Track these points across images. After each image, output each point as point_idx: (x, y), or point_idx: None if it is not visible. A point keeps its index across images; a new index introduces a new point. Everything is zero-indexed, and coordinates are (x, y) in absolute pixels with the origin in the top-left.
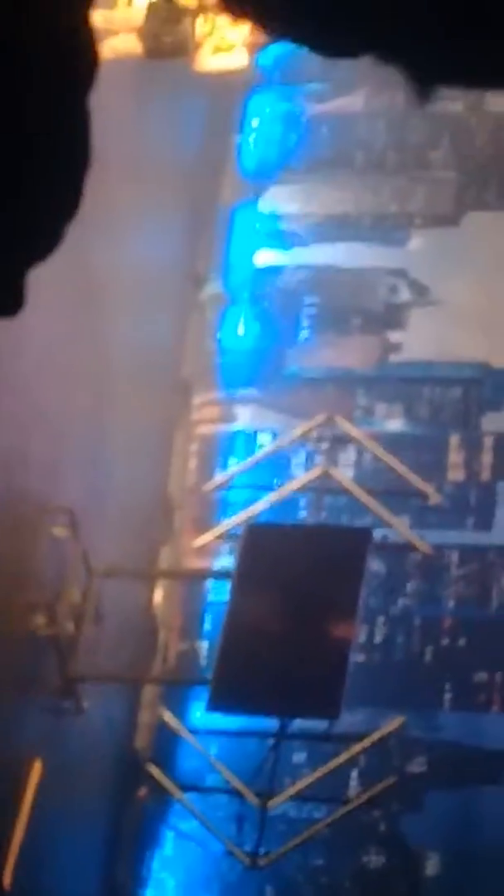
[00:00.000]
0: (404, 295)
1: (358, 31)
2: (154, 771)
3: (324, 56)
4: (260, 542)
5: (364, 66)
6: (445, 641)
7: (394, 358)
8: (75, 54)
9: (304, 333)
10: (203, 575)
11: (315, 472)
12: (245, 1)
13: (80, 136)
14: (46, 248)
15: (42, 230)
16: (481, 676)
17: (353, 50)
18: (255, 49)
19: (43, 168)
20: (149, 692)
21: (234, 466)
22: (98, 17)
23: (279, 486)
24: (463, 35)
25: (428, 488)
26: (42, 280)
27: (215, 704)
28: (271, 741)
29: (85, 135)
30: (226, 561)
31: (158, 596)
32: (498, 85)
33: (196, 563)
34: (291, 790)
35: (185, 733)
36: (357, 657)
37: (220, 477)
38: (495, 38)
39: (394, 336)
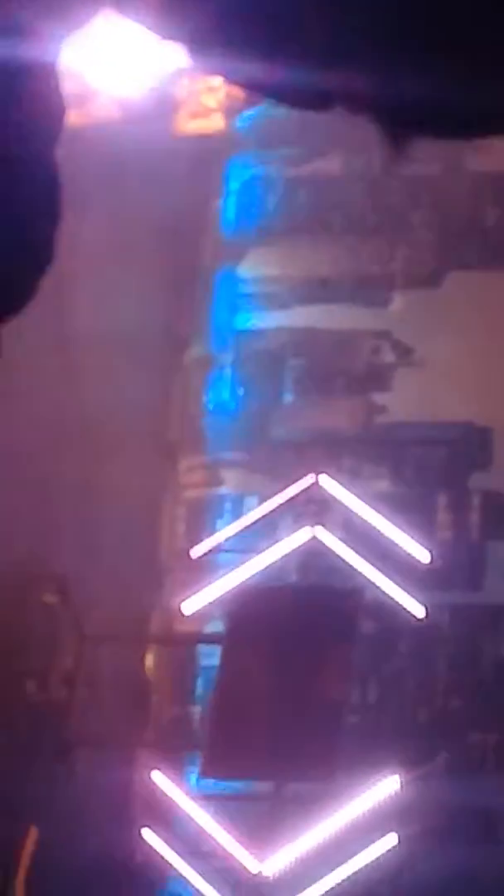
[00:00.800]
0: (388, 356)
1: (330, 81)
2: (150, 837)
3: (296, 108)
4: (250, 606)
5: (340, 128)
6: (439, 702)
7: (379, 419)
8: (43, 109)
9: (288, 396)
10: (194, 639)
11: (303, 535)
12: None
13: (48, 188)
14: (20, 301)
15: (14, 283)
16: (475, 737)
17: (325, 102)
18: (232, 113)
19: (11, 220)
20: (142, 757)
21: (223, 530)
22: (76, 83)
23: (268, 549)
24: (436, 86)
25: (417, 548)
26: (24, 347)
27: (209, 770)
28: (267, 804)
29: (53, 187)
30: (216, 625)
31: (150, 661)
32: (470, 135)
33: (187, 628)
34: (290, 853)
35: (180, 798)
36: (350, 719)
37: (208, 541)
38: (467, 89)
39: (378, 397)
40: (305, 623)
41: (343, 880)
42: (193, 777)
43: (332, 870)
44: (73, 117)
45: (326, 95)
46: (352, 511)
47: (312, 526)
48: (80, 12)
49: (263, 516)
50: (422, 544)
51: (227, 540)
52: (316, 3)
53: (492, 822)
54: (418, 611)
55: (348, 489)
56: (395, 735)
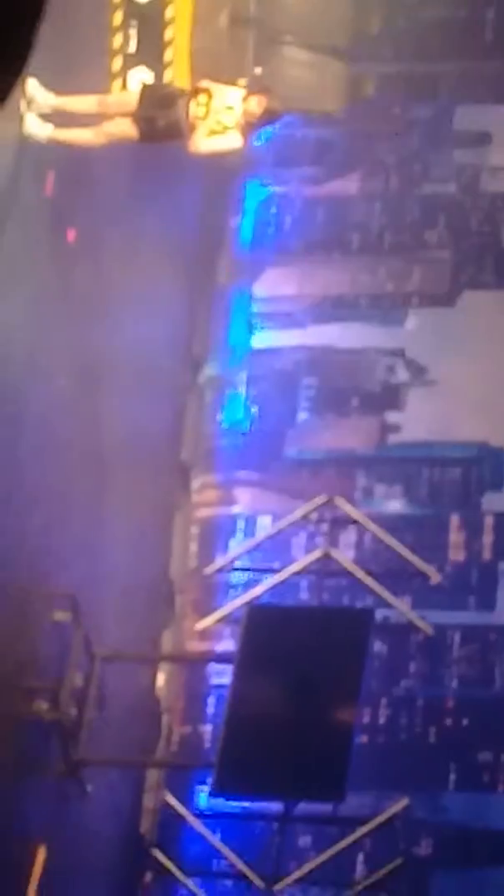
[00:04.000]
0: (402, 375)
1: None
2: (159, 855)
3: None
4: (261, 625)
5: (358, 148)
6: (449, 722)
7: (393, 438)
8: None
9: (302, 415)
10: (205, 658)
11: (316, 554)
12: None
13: None
14: (20, 53)
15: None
16: (486, 756)
17: None
18: (249, 132)
19: None
20: (153, 776)
21: (235, 549)
22: (93, 102)
23: (280, 569)
24: None
25: (429, 569)
26: (39, 364)
27: (220, 789)
28: (276, 824)
29: None
30: (228, 644)
31: (161, 679)
32: None
33: (198, 647)
34: (297, 873)
35: (189, 817)
36: (360, 739)
37: (221, 560)
38: None
39: (392, 416)
40: (316, 642)
41: None
42: (204, 795)
43: (340, 889)
44: (91, 136)
45: None
46: (365, 530)
47: (325, 545)
48: None
49: (276, 535)
50: (434, 564)
51: (239, 559)
52: None
53: (501, 842)
54: (429, 631)
55: (361, 509)
56: (405, 755)
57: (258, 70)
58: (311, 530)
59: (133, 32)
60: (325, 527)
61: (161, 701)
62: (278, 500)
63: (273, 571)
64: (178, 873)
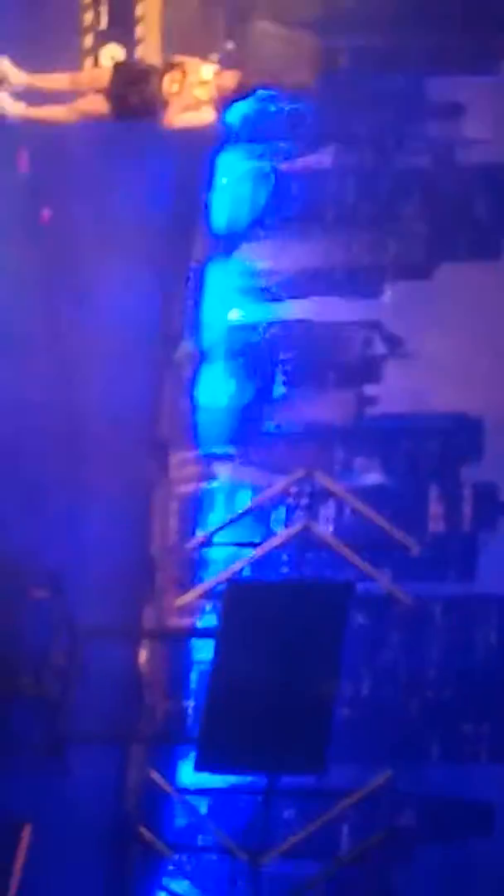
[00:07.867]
0: (379, 348)
1: None
2: (144, 831)
3: None
4: (242, 600)
5: (332, 122)
6: (431, 693)
7: (370, 411)
8: None
9: (280, 389)
10: (186, 634)
11: (295, 528)
12: None
13: None
14: None
15: None
16: (468, 727)
17: None
18: (222, 106)
19: None
20: (136, 752)
21: (215, 524)
22: (65, 79)
23: (260, 543)
24: None
25: (409, 540)
26: (15, 342)
27: (203, 764)
28: (261, 798)
29: None
30: (209, 619)
31: (143, 656)
32: None
33: (179, 622)
34: (282, 847)
35: (173, 793)
36: (343, 711)
37: (200, 535)
38: None
39: (370, 389)
40: (297, 616)
41: (335, 872)
42: (188, 771)
43: (325, 862)
44: (64, 113)
45: None
46: (344, 504)
47: (304, 519)
48: None
49: (255, 509)
50: (414, 536)
51: (219, 533)
52: None
53: (485, 813)
54: (409, 602)
55: (340, 482)
56: (388, 727)
57: (230, 44)
58: (291, 504)
59: (104, 9)
60: (304, 500)
61: (143, 677)
62: (257, 475)
63: (253, 546)
64: (163, 848)
